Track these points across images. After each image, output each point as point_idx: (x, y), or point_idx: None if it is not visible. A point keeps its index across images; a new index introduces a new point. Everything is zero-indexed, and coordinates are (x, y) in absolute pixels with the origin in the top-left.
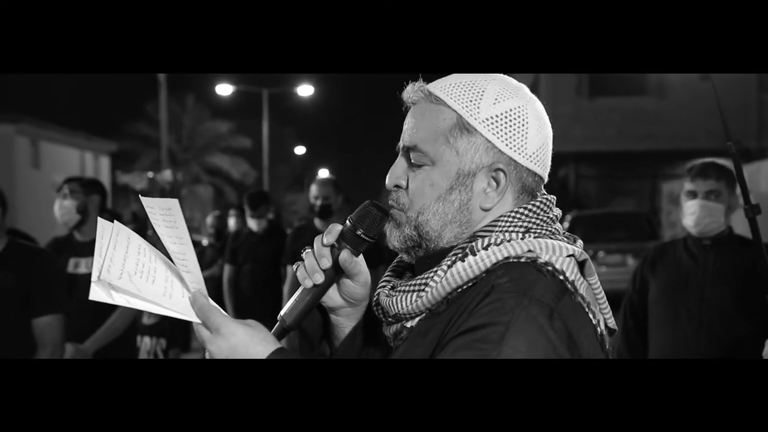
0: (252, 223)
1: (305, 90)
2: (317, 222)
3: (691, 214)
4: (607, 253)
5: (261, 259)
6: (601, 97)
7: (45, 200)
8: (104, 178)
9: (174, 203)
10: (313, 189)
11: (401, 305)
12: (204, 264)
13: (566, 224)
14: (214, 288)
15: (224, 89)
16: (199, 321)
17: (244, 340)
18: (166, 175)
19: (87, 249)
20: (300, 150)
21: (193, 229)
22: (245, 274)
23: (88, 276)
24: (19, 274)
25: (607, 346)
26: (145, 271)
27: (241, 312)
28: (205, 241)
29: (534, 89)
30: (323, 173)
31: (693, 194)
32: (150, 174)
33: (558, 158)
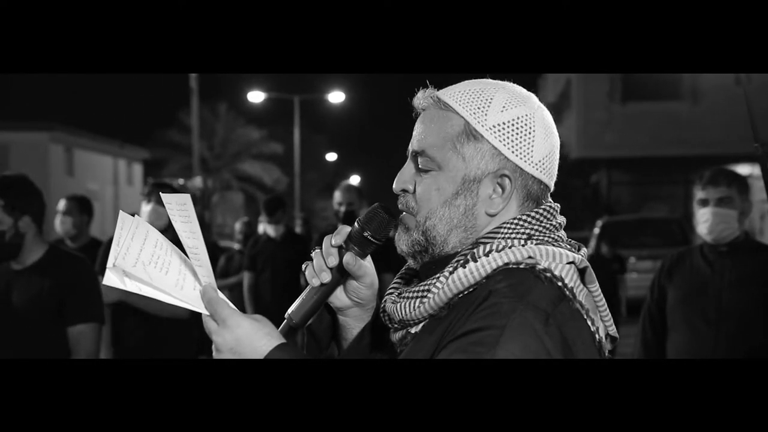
0: (269, 230)
1: (336, 96)
2: None
3: (704, 221)
4: (639, 259)
5: (280, 265)
6: (634, 102)
7: None
8: (137, 185)
9: (187, 198)
10: (337, 195)
11: (405, 311)
12: (232, 270)
13: (596, 230)
14: (238, 295)
15: (256, 96)
16: (207, 313)
17: (249, 333)
18: (197, 181)
19: None
20: (331, 156)
21: (224, 235)
22: (265, 280)
23: None
24: (55, 281)
25: (605, 353)
26: (160, 263)
27: None
28: (237, 246)
29: (566, 95)
30: (354, 179)
31: (705, 202)
32: (181, 181)
33: (590, 164)
